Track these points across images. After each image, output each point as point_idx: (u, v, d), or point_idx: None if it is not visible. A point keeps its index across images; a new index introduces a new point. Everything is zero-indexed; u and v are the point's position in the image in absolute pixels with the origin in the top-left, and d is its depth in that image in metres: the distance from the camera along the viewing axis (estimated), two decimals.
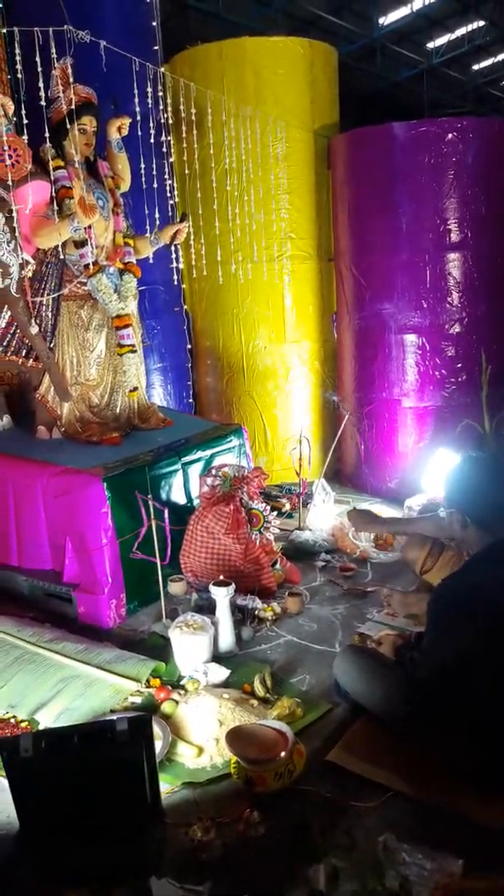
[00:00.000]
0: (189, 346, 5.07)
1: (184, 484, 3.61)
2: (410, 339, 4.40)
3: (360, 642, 2.68)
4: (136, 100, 3.80)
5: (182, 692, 2.53)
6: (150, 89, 3.91)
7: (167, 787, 2.11)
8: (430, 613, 2.09)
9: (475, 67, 16.37)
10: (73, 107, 3.30)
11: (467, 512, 2.08)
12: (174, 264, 4.00)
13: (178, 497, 3.57)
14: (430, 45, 14.76)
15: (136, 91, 3.84)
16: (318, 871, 1.75)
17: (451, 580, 2.11)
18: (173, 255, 3.99)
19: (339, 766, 2.15)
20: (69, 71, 3.35)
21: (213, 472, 3.43)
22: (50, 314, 3.55)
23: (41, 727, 2.39)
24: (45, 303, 3.52)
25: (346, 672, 2.34)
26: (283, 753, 2.05)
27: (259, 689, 2.52)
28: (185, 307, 5.06)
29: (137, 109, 3.71)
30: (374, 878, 1.74)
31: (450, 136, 4.16)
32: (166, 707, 2.42)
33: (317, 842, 1.90)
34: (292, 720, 2.33)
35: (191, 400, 5.12)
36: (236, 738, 2.12)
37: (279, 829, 1.95)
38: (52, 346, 3.58)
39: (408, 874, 1.72)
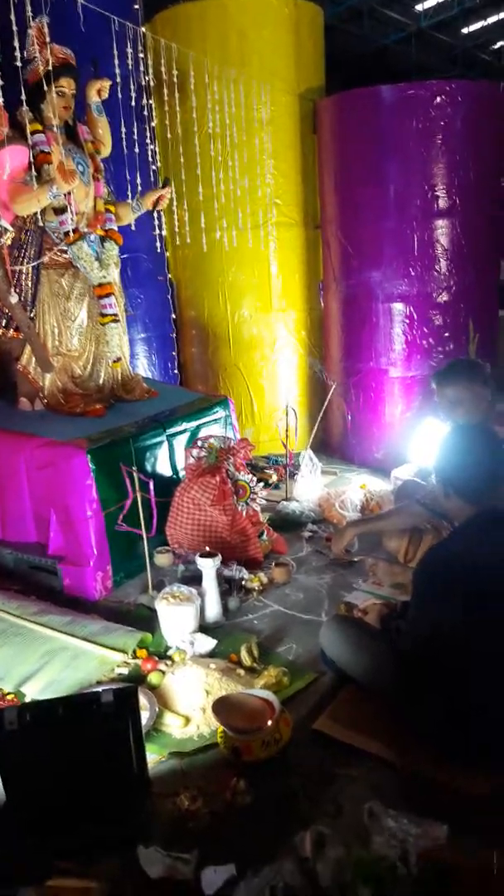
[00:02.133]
0: (173, 316, 5.00)
1: (169, 455, 3.58)
2: (398, 307, 4.36)
3: (347, 611, 2.68)
4: (116, 61, 3.70)
5: (169, 663, 2.53)
6: (130, 50, 3.80)
7: (154, 757, 2.12)
8: (414, 583, 2.09)
9: (464, 31, 16.07)
10: (50, 68, 3.19)
11: (452, 482, 2.06)
12: (157, 231, 3.92)
13: (164, 469, 3.54)
14: (419, 7, 14.44)
15: (115, 52, 3.73)
16: (305, 838, 1.76)
17: (434, 550, 2.11)
18: (156, 222, 3.91)
19: (325, 734, 2.15)
20: (45, 30, 3.23)
21: (199, 443, 3.40)
22: (30, 283, 3.47)
23: (27, 700, 2.38)
24: (24, 271, 3.45)
25: (332, 641, 2.34)
26: (269, 722, 2.06)
27: (246, 659, 2.52)
28: (169, 276, 4.98)
29: (117, 71, 3.60)
30: (359, 843, 1.75)
31: (438, 99, 4.08)
32: (153, 678, 2.42)
33: (303, 809, 1.91)
34: (279, 689, 2.34)
35: (176, 371, 5.07)
36: (223, 707, 2.12)
37: (266, 798, 1.96)
38: (32, 315, 3.51)
39: (392, 840, 1.73)
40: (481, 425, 2.46)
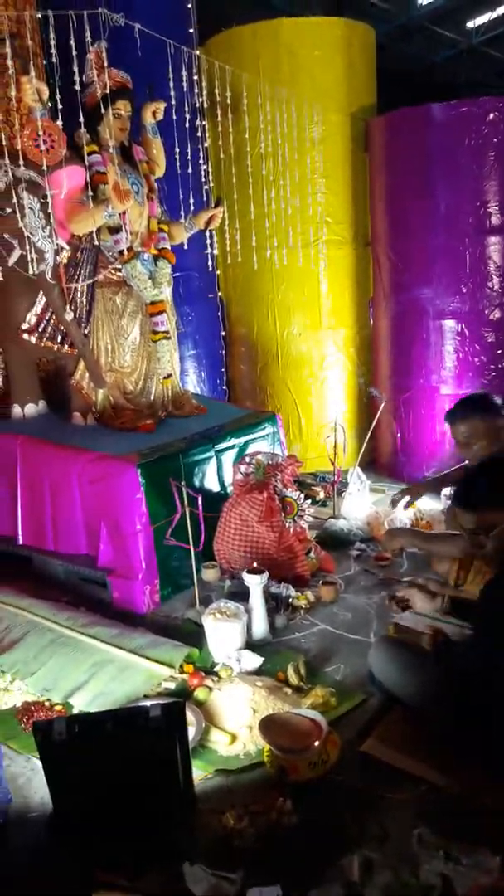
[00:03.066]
0: (223, 333, 5.05)
1: (217, 471, 3.59)
2: (449, 324, 4.31)
3: (396, 633, 2.64)
4: (171, 84, 3.77)
5: (215, 679, 2.53)
6: (185, 73, 3.88)
7: (200, 773, 2.11)
8: (487, 612, 2.02)
9: None
10: (107, 91, 3.28)
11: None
12: (208, 250, 3.97)
13: (212, 484, 3.56)
14: (470, 24, 14.39)
15: (171, 75, 3.81)
16: (352, 863, 1.73)
17: None
18: (208, 241, 3.96)
19: (373, 756, 2.12)
20: (104, 55, 3.32)
21: (247, 459, 3.41)
22: (84, 300, 3.55)
23: (75, 711, 2.41)
24: (79, 289, 3.53)
25: (381, 663, 2.31)
26: (316, 743, 2.04)
27: (293, 678, 2.50)
28: (220, 293, 5.03)
29: (172, 93, 3.68)
30: (408, 871, 1.71)
31: (491, 116, 4.05)
32: (199, 693, 2.42)
33: (350, 833, 1.88)
34: (326, 710, 2.31)
35: (224, 387, 5.10)
36: (270, 726, 2.11)
37: (312, 820, 1.93)
38: (86, 332, 3.59)
39: (444, 869, 1.69)
40: None
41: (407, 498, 3.53)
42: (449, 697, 2.06)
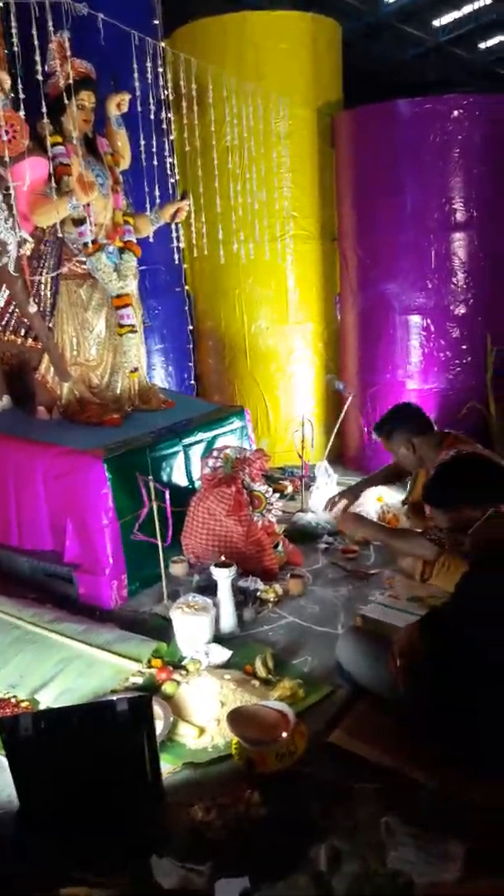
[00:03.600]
0: (190, 327, 5.02)
1: (185, 465, 3.58)
2: (415, 320, 4.35)
3: (363, 624, 2.65)
4: (136, 76, 3.74)
5: (183, 673, 2.52)
6: (149, 65, 3.84)
7: (168, 767, 2.10)
8: (460, 606, 2.03)
9: (482, 46, 16.14)
10: (70, 82, 3.24)
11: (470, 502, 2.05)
12: (175, 244, 3.94)
13: (180, 479, 3.55)
14: (436, 22, 14.52)
15: (135, 67, 3.77)
16: (320, 852, 1.74)
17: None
18: (174, 235, 3.93)
19: (340, 747, 2.13)
20: (66, 45, 3.28)
21: (215, 453, 3.40)
22: (49, 293, 3.51)
23: (42, 707, 2.38)
24: (43, 281, 3.48)
25: (349, 654, 2.32)
26: (284, 734, 2.04)
27: (260, 671, 2.50)
28: (187, 287, 5.01)
29: (137, 85, 3.64)
30: (376, 859, 1.72)
31: (456, 113, 4.10)
32: (167, 687, 2.41)
33: (318, 823, 1.89)
34: (294, 701, 2.32)
35: (192, 381, 5.08)
36: (237, 718, 2.11)
37: (280, 811, 1.94)
38: (51, 325, 3.54)
39: (410, 857, 1.70)
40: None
41: (344, 501, 3.47)
42: (422, 689, 2.06)
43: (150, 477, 3.04)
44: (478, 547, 2.05)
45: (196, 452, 3.63)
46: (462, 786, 1.92)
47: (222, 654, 2.61)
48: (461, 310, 4.29)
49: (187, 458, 3.59)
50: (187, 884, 1.71)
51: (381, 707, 2.23)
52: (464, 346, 4.33)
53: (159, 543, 3.00)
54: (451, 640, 1.99)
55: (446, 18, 14.40)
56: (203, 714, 2.28)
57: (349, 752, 2.11)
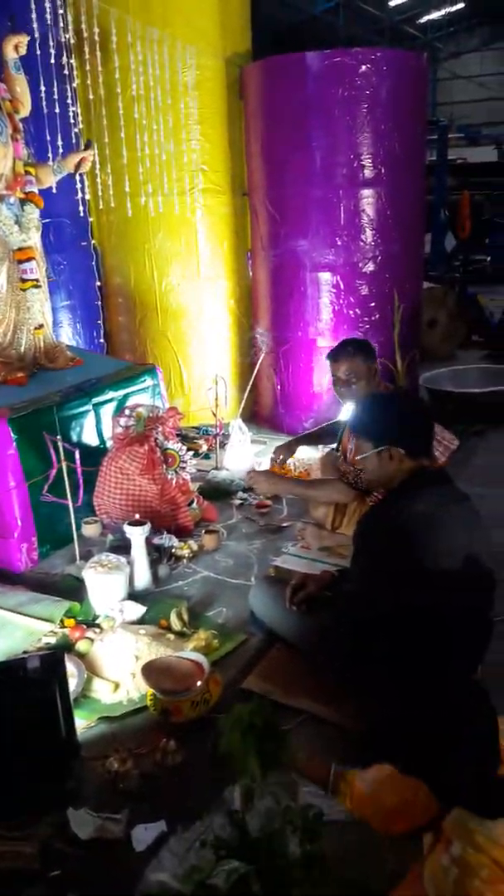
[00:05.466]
0: (98, 284, 4.88)
1: (96, 425, 3.52)
2: (325, 277, 4.38)
3: (275, 574, 2.71)
4: (35, 16, 3.55)
5: (97, 630, 2.51)
6: (48, 5, 3.66)
7: (84, 722, 2.11)
8: (371, 548, 2.04)
9: (392, 3, 16.15)
10: None
11: (403, 444, 2.02)
12: (80, 195, 3.81)
13: (90, 438, 3.49)
14: None
15: (33, 7, 3.59)
16: (234, 792, 1.79)
17: (393, 514, 2.01)
18: (78, 186, 3.80)
19: (254, 692, 2.19)
20: None
21: (127, 412, 3.36)
22: None
23: None
24: None
25: (261, 602, 2.37)
26: (198, 683, 2.08)
27: (175, 624, 2.53)
28: (94, 241, 4.85)
29: (35, 27, 3.47)
30: (288, 795, 1.79)
31: (364, 67, 4.09)
32: (81, 645, 2.40)
33: (232, 766, 1.93)
34: (208, 651, 2.35)
35: (102, 340, 4.96)
36: (152, 670, 2.13)
37: (196, 757, 1.98)
38: None
39: (319, 790, 1.78)
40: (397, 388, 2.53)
41: (281, 456, 3.56)
42: (329, 631, 2.12)
43: (59, 437, 2.98)
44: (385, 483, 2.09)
45: (107, 412, 3.56)
46: (356, 716, 2.00)
47: (137, 610, 2.62)
48: (370, 267, 4.34)
49: (98, 418, 3.52)
50: (104, 833, 1.73)
51: (291, 651, 2.30)
52: (372, 304, 4.40)
53: (70, 504, 2.95)
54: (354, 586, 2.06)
55: None
56: (118, 669, 2.29)
57: (262, 697, 2.17)
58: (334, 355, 3.02)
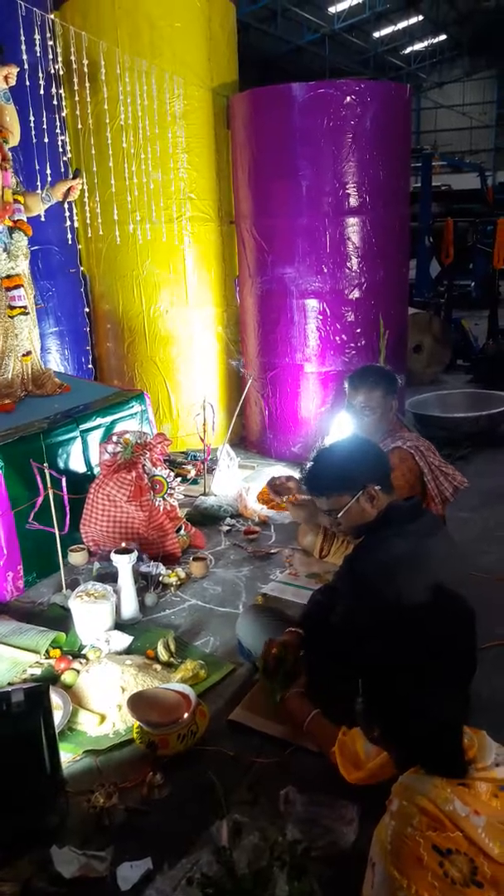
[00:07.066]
0: (87, 310, 4.90)
1: (83, 451, 3.51)
2: (311, 304, 4.42)
3: (262, 602, 2.70)
4: (24, 48, 3.59)
5: (83, 661, 2.48)
6: (38, 37, 3.70)
7: (69, 756, 2.08)
8: (346, 584, 2.05)
9: (376, 35, 16.48)
10: None
11: (378, 481, 2.03)
12: (68, 223, 3.83)
13: (77, 465, 3.47)
14: (332, 9, 14.70)
15: (23, 38, 3.63)
16: (221, 828, 1.76)
17: (376, 557, 2.00)
18: (67, 214, 3.82)
19: (241, 724, 2.17)
20: None
21: (114, 438, 3.35)
22: None
23: None
24: None
25: (249, 631, 2.36)
26: (185, 715, 2.05)
27: (162, 654, 2.50)
28: (82, 268, 4.88)
29: (25, 58, 3.50)
30: (274, 829, 1.77)
31: (348, 98, 4.15)
32: (67, 677, 2.38)
33: (220, 799, 1.91)
34: (196, 682, 2.34)
35: (90, 366, 4.97)
36: (138, 702, 2.10)
37: (183, 791, 1.96)
38: None
39: (308, 825, 1.76)
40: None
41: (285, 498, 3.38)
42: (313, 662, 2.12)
43: (46, 464, 2.97)
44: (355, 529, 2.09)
45: (94, 438, 3.56)
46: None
47: (123, 640, 2.59)
48: (355, 294, 4.38)
49: (85, 444, 3.52)
50: (88, 871, 1.70)
51: None
52: (358, 330, 4.44)
53: (56, 532, 2.94)
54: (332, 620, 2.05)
55: (342, 5, 14.59)
56: (104, 701, 2.26)
57: (250, 728, 2.15)
58: (354, 383, 2.80)
